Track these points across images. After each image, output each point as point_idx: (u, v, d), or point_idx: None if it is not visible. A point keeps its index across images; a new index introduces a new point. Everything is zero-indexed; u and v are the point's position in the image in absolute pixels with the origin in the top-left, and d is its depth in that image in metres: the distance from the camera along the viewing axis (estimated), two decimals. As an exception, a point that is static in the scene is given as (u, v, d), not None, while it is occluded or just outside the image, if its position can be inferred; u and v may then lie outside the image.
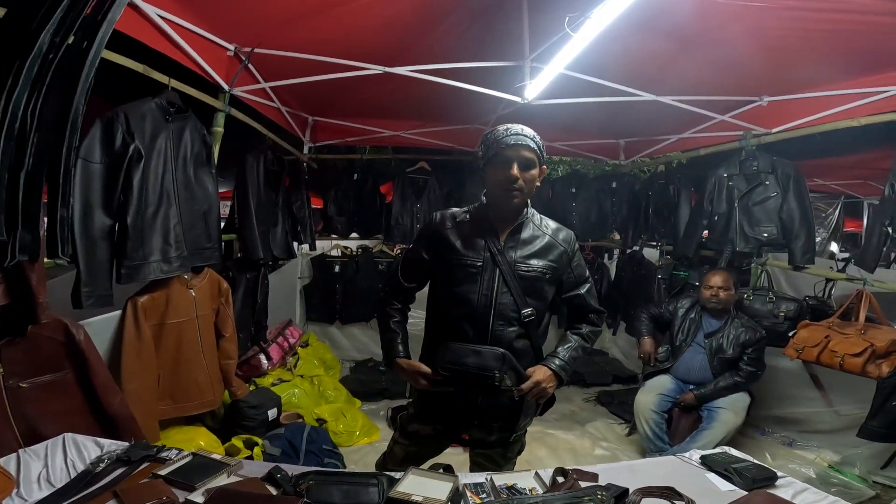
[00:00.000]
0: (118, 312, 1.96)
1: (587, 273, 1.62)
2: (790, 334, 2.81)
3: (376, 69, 2.66)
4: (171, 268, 2.05)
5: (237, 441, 2.32)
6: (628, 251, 4.41)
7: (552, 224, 1.55)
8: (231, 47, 2.46)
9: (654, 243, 4.27)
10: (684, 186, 3.86)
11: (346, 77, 2.71)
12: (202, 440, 2.17)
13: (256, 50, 2.47)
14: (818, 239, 5.45)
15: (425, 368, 1.46)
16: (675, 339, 3.01)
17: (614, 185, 4.54)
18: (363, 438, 2.95)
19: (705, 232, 3.40)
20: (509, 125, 1.43)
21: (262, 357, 3.13)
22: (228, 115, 2.69)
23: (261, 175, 3.01)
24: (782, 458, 2.89)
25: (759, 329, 2.84)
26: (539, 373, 1.47)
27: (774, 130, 3.12)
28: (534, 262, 1.46)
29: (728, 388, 2.77)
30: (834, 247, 5.27)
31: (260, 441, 2.35)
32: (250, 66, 2.68)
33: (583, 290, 1.59)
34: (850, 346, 2.45)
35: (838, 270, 3.04)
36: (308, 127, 4.27)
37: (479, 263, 1.44)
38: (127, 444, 1.28)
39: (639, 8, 1.73)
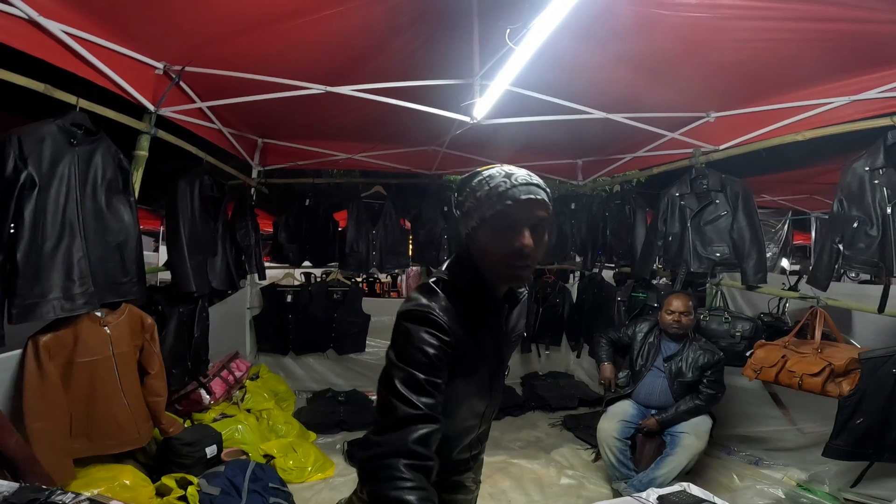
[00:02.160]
0: (18, 351, 1.81)
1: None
2: (747, 354, 2.79)
3: (317, 89, 2.54)
4: (75, 305, 1.84)
5: (168, 480, 2.19)
6: (588, 274, 4.37)
7: None
8: (160, 65, 2.30)
9: (612, 265, 4.25)
10: (640, 207, 3.88)
11: (288, 97, 2.58)
12: (127, 479, 2.05)
13: (188, 68, 2.33)
14: (769, 254, 5.60)
15: None
16: (636, 364, 2.95)
17: (573, 206, 4.53)
18: (316, 474, 2.81)
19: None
20: (511, 170, 0.99)
21: (203, 392, 2.97)
22: (160, 139, 2.50)
23: (195, 201, 2.81)
24: (749, 479, 2.86)
25: (716, 351, 2.80)
26: None
27: (722, 147, 3.15)
28: (518, 326, 1.21)
29: (689, 412, 2.73)
30: (785, 262, 5.42)
31: (195, 480, 2.20)
32: (183, 84, 2.54)
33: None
34: (808, 366, 2.43)
35: (790, 287, 3.05)
36: (257, 149, 4.08)
37: (486, 372, 1.08)
38: (17, 485, 1.20)
39: (583, 22, 1.69)
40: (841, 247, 2.30)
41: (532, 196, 0.96)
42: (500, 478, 2.85)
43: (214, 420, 2.83)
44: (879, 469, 2.43)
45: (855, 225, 2.25)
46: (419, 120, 2.95)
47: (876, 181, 2.23)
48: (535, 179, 1.00)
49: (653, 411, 2.80)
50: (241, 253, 3.55)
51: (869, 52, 2.06)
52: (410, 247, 4.41)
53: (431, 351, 0.91)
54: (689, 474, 2.61)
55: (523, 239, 0.95)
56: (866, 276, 3.38)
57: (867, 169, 2.27)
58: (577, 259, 4.67)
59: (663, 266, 3.41)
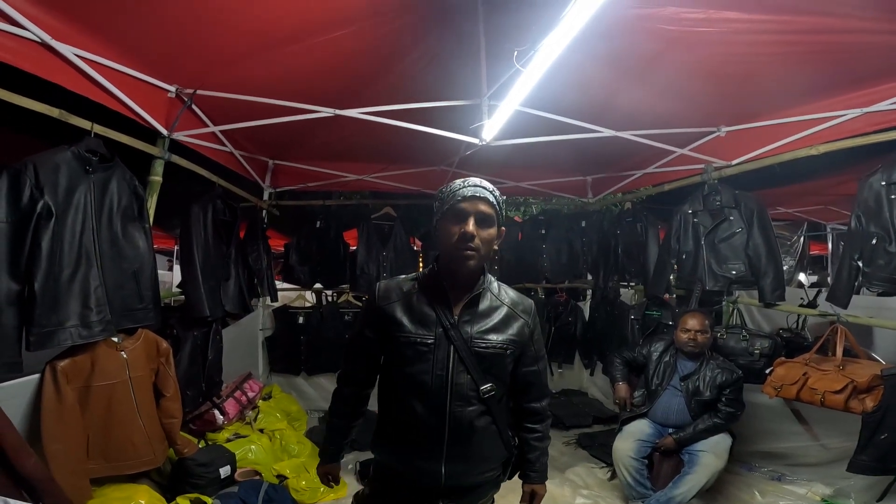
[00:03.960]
0: (36, 376, 1.85)
1: (544, 349, 1.47)
2: (767, 371, 2.73)
3: (326, 112, 2.58)
4: (92, 333, 1.88)
5: (183, 500, 2.22)
6: (600, 292, 4.33)
7: (511, 293, 1.40)
8: (172, 88, 2.34)
9: (625, 283, 4.21)
10: (651, 224, 3.85)
11: (298, 120, 2.61)
12: (143, 499, 2.08)
13: (199, 91, 2.36)
14: (786, 267, 5.51)
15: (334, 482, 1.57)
16: (651, 383, 2.90)
17: (584, 224, 4.51)
18: (328, 495, 2.76)
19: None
20: (469, 178, 1.29)
21: (217, 412, 3.00)
22: (173, 162, 2.54)
23: (209, 226, 2.85)
24: (771, 495, 2.80)
25: (735, 370, 2.74)
26: (538, 491, 1.50)
27: (734, 162, 3.11)
28: (492, 337, 1.31)
29: (708, 430, 2.67)
30: (802, 277, 5.33)
31: (209, 500, 2.25)
32: (195, 108, 2.57)
33: (539, 366, 1.44)
34: (830, 383, 2.38)
35: (809, 303, 2.99)
36: (268, 171, 4.14)
37: (430, 341, 1.28)
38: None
39: (590, 39, 1.68)
40: (860, 263, 2.25)
41: (476, 194, 1.24)
42: (512, 497, 2.76)
43: (228, 440, 2.85)
44: None
45: (874, 241, 2.21)
46: (428, 141, 2.97)
47: (893, 196, 2.20)
48: (485, 184, 1.28)
49: (670, 430, 2.75)
50: (253, 276, 3.58)
51: (877, 63, 2.05)
52: (420, 266, 4.41)
53: (355, 336, 1.43)
54: (708, 491, 2.56)
55: (467, 226, 1.22)
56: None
57: (883, 183, 2.25)
58: (589, 277, 4.64)
59: (677, 284, 3.36)
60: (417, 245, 4.52)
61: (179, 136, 2.58)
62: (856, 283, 2.28)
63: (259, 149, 3.65)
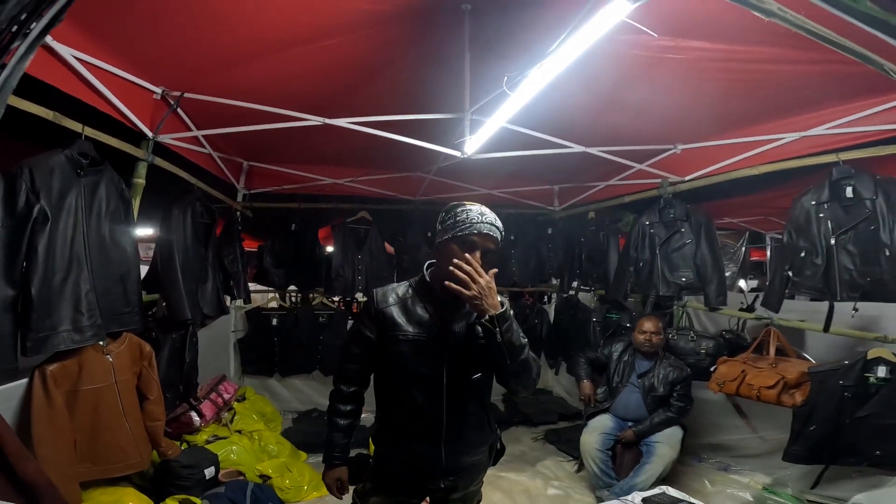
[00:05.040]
0: (24, 381, 1.86)
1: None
2: (711, 369, 3.02)
3: (316, 120, 2.64)
4: (84, 337, 1.89)
5: (172, 502, 2.28)
6: (565, 296, 4.58)
7: None
8: (158, 90, 2.33)
9: (588, 288, 4.47)
10: (612, 233, 4.12)
11: (286, 127, 2.66)
12: (131, 501, 2.13)
13: (187, 94, 2.36)
14: (729, 273, 5.99)
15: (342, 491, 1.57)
16: (612, 381, 3.15)
17: (550, 231, 4.75)
18: (312, 493, 2.84)
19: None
20: (483, 210, 1.42)
21: (194, 414, 3.02)
22: (153, 164, 2.54)
23: (188, 229, 2.85)
24: (720, 484, 3.06)
25: (684, 368, 3.03)
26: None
27: (687, 178, 3.40)
28: (477, 330, 1.49)
29: (663, 423, 2.93)
30: (742, 283, 5.83)
31: (198, 501, 2.30)
32: (180, 111, 2.56)
33: None
34: (765, 380, 2.68)
35: (747, 307, 3.33)
36: (243, 172, 4.12)
37: (425, 338, 1.44)
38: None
39: (572, 63, 1.79)
40: (790, 273, 2.56)
41: (490, 233, 1.39)
42: (490, 490, 2.94)
43: (208, 442, 2.86)
44: (835, 472, 2.64)
45: (802, 254, 2.52)
46: (409, 149, 3.06)
47: (821, 214, 2.50)
48: (497, 222, 1.42)
49: (629, 424, 2.99)
50: (228, 278, 3.57)
51: (818, 91, 2.25)
52: (396, 272, 4.51)
53: (354, 336, 1.54)
54: (665, 481, 2.77)
55: (475, 257, 1.35)
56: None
57: (813, 203, 2.54)
58: (554, 281, 4.89)
59: (634, 290, 3.64)
60: (390, 250, 4.61)
61: (164, 138, 2.58)
62: (785, 291, 2.60)
63: (236, 151, 3.66)
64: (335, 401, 1.58)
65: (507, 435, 4.01)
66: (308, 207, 4.41)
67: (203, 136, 2.93)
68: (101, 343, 2.06)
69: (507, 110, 2.18)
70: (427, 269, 1.52)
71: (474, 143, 2.62)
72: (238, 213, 4.05)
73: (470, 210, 1.41)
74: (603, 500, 2.77)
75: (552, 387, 4.98)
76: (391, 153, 3.53)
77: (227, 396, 3.38)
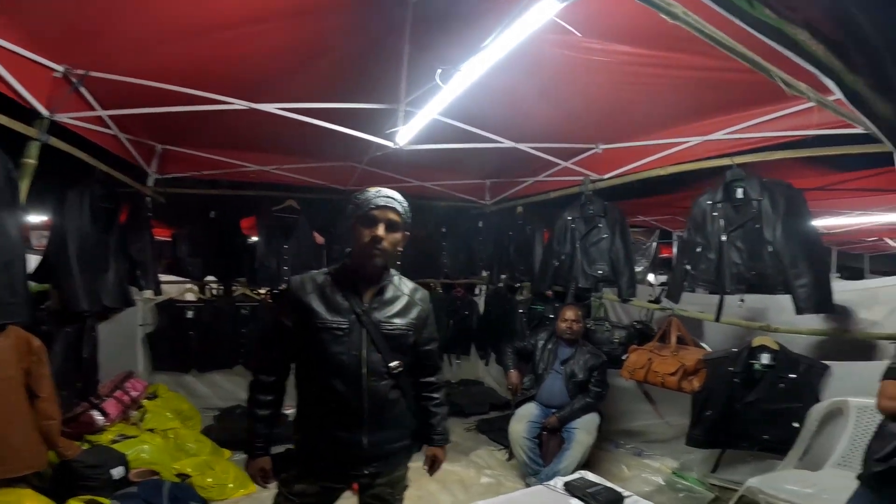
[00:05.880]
0: None
1: (436, 332, 1.74)
2: (623, 358, 3.26)
3: (241, 104, 2.50)
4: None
5: (75, 502, 2.21)
6: (494, 288, 4.72)
7: (410, 284, 1.64)
8: (60, 68, 2.14)
9: (516, 284, 4.62)
10: (538, 227, 4.30)
11: (207, 110, 2.51)
12: (28, 502, 2.05)
13: (93, 73, 2.18)
14: (642, 268, 6.51)
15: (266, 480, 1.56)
16: (538, 368, 3.31)
17: (481, 224, 4.86)
18: (239, 490, 2.77)
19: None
20: (380, 188, 1.50)
21: (96, 413, 2.85)
22: (48, 145, 2.29)
23: (86, 214, 2.63)
24: (635, 468, 3.27)
25: (601, 355, 3.26)
26: (438, 454, 1.74)
27: (606, 176, 3.61)
28: (397, 321, 1.53)
29: (583, 409, 3.11)
30: (651, 277, 6.36)
31: (106, 502, 2.25)
32: (84, 90, 2.36)
33: (433, 346, 1.71)
34: (667, 367, 2.93)
35: (655, 300, 3.64)
36: (156, 156, 3.79)
37: (344, 326, 1.46)
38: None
39: (504, 59, 1.81)
40: (688, 267, 2.82)
41: (387, 204, 1.46)
42: (426, 481, 2.92)
43: (114, 441, 2.74)
44: (732, 456, 2.89)
45: (699, 250, 2.78)
46: (340, 138, 3.00)
47: (715, 213, 2.76)
48: (395, 195, 1.49)
49: (553, 410, 3.15)
50: (135, 267, 3.31)
51: (723, 98, 2.43)
52: (325, 263, 4.40)
53: (271, 325, 1.55)
54: (587, 466, 2.94)
55: (378, 231, 1.43)
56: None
57: (709, 202, 2.80)
58: (485, 274, 5.02)
59: (557, 282, 3.82)
60: (320, 240, 4.48)
61: (62, 118, 2.33)
62: (684, 284, 2.86)
63: (148, 133, 3.37)
64: (254, 392, 1.55)
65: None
66: (231, 194, 4.16)
67: (109, 116, 2.69)
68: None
69: (439, 102, 2.20)
70: (348, 257, 1.54)
71: (407, 134, 2.62)
72: (149, 199, 3.73)
73: (367, 191, 1.49)
74: (531, 486, 2.91)
75: (483, 378, 5.13)
76: (323, 142, 3.42)
77: (134, 394, 3.18)
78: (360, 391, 1.46)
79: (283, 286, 4.10)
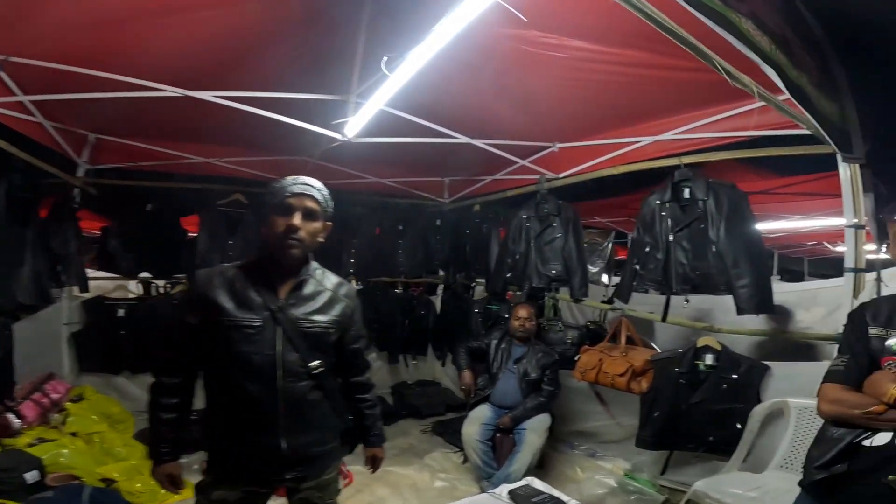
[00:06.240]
0: None
1: (364, 329, 1.66)
2: (575, 358, 3.25)
3: (175, 92, 2.35)
4: None
5: None
6: (450, 287, 4.66)
7: (334, 278, 1.54)
8: None
9: (472, 283, 4.61)
10: (494, 226, 4.27)
11: (138, 97, 2.35)
12: None
13: (13, 59, 2.05)
14: (597, 269, 6.61)
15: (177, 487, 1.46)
16: (492, 368, 3.26)
17: (438, 222, 4.79)
18: (170, 497, 2.55)
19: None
20: (297, 176, 1.41)
21: (11, 416, 2.75)
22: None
23: (0, 204, 2.36)
24: (589, 470, 3.21)
25: (553, 354, 3.25)
26: (377, 453, 1.70)
27: (562, 175, 3.62)
28: (318, 318, 1.43)
29: (535, 408, 3.07)
30: (605, 278, 6.48)
31: None
32: (2, 74, 2.20)
33: (361, 344, 1.63)
34: (617, 367, 2.92)
35: (608, 300, 3.67)
36: (87, 145, 3.53)
37: (256, 323, 1.35)
38: None
39: (458, 50, 1.79)
40: (637, 267, 2.83)
41: (304, 191, 1.36)
42: (377, 486, 2.90)
43: (30, 445, 2.62)
44: (679, 457, 2.89)
45: (647, 249, 2.80)
46: (290, 130, 2.87)
47: (663, 213, 2.78)
48: (313, 182, 1.40)
49: (506, 410, 3.09)
50: (56, 262, 3.06)
51: (674, 98, 2.45)
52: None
53: (174, 323, 1.43)
54: (541, 468, 2.88)
55: (293, 219, 1.34)
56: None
57: (658, 202, 2.82)
58: (441, 273, 4.95)
59: (512, 281, 3.80)
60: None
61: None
62: (634, 283, 2.87)
63: (79, 122, 3.13)
64: (156, 395, 1.41)
65: (395, 428, 3.96)
66: (170, 186, 3.91)
67: (32, 102, 2.51)
68: None
69: (385, 92, 2.12)
70: (261, 249, 1.44)
71: (356, 125, 2.52)
72: (77, 191, 3.45)
73: (283, 180, 1.40)
74: (485, 491, 2.84)
75: (440, 378, 5.04)
76: (272, 133, 3.25)
77: (55, 396, 2.99)
78: (273, 393, 1.35)
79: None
